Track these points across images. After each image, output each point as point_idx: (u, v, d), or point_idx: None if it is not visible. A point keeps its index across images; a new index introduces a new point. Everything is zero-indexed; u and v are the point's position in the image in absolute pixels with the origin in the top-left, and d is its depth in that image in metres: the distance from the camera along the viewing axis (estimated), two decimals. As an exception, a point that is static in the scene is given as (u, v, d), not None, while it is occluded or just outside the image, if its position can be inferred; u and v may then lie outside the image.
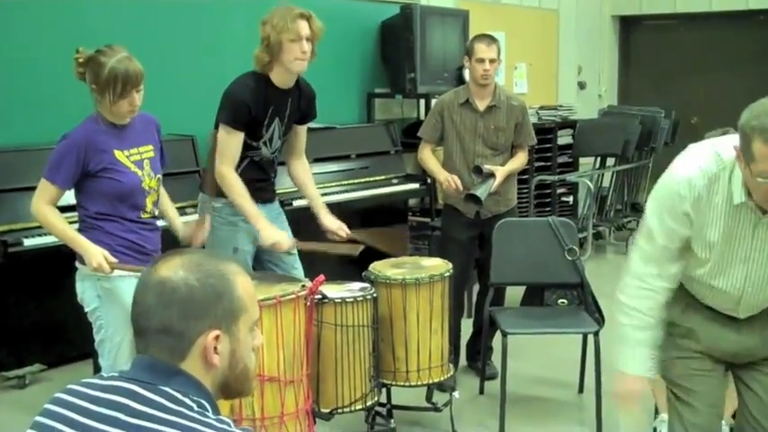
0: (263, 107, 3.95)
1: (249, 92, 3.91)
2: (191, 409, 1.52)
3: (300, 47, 3.85)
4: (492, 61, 4.75)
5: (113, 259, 3.35)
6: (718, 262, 2.61)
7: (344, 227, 4.16)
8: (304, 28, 3.86)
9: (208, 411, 1.55)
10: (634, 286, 2.73)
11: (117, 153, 3.40)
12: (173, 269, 1.60)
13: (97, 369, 4.06)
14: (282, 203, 4.46)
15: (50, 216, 3.37)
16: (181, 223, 3.82)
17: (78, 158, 3.31)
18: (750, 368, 2.79)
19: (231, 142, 3.92)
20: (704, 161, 2.52)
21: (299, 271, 4.16)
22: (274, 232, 3.94)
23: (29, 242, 4.61)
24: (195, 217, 4.45)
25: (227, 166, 3.93)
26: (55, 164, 3.35)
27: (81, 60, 3.37)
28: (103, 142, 3.36)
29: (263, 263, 4.17)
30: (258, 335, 1.70)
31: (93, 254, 3.31)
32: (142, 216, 3.49)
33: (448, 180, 4.74)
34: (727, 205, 2.50)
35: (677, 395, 2.80)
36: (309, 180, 4.33)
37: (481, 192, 4.62)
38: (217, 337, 1.59)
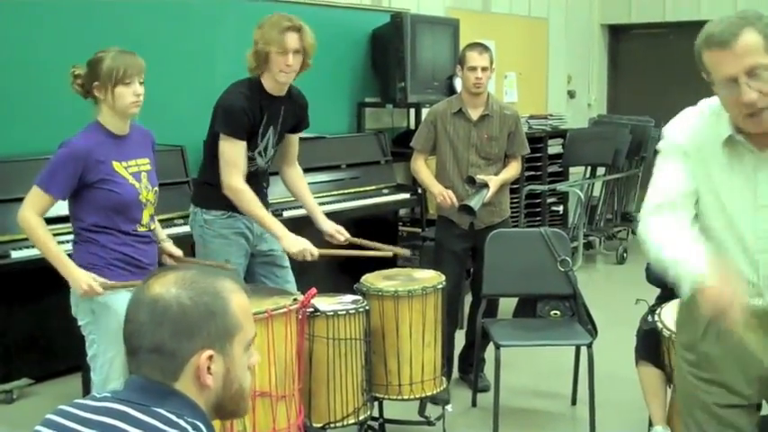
0: (258, 115, 3.91)
1: (245, 99, 3.88)
2: (185, 430, 1.49)
3: (285, 60, 3.81)
4: (484, 69, 4.73)
5: (102, 280, 3.30)
6: (725, 219, 2.39)
7: (342, 230, 4.13)
8: (292, 41, 3.81)
9: None
10: (651, 228, 2.46)
11: (115, 164, 3.35)
12: (165, 286, 1.56)
13: (87, 383, 4.02)
14: (274, 213, 4.42)
15: (40, 230, 3.30)
16: (163, 235, 3.77)
17: (77, 170, 3.26)
18: None
19: (236, 151, 3.87)
20: (692, 111, 2.47)
21: (291, 285, 4.12)
22: (297, 240, 3.88)
23: (16, 254, 4.55)
24: (185, 228, 4.41)
25: (237, 178, 3.86)
26: (52, 173, 3.28)
27: (77, 73, 3.35)
28: (103, 153, 3.32)
29: (254, 276, 4.13)
30: (254, 353, 1.67)
31: (80, 279, 3.27)
32: (138, 229, 3.44)
33: (443, 194, 4.71)
34: (722, 147, 2.36)
35: None
36: (305, 187, 4.30)
37: (475, 202, 4.59)
38: (210, 357, 1.55)
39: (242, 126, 3.86)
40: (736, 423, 2.50)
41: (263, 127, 3.95)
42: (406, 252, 4.32)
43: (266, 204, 4.19)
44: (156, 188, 3.55)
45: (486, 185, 4.67)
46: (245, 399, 1.66)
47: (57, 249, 3.34)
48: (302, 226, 4.26)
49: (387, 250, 4.16)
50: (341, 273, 5.64)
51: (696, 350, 2.54)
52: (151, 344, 1.54)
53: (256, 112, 3.90)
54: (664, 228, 2.41)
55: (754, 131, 2.29)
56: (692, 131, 2.44)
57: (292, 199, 4.60)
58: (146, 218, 3.47)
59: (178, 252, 3.75)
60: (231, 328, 1.58)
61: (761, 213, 2.35)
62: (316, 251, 3.89)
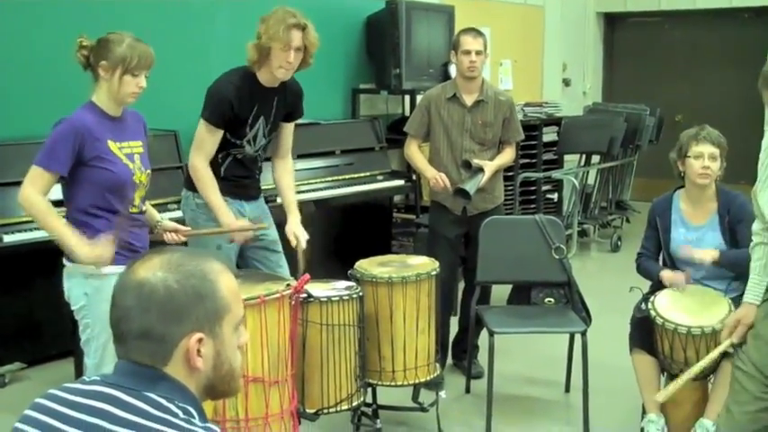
0: (247, 105, 3.90)
1: (234, 90, 3.87)
2: (176, 416, 1.47)
3: (287, 56, 3.81)
4: (478, 53, 4.71)
5: (108, 253, 3.28)
6: None
7: (302, 239, 4.03)
8: (296, 38, 3.80)
9: (194, 418, 1.50)
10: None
11: (111, 143, 3.34)
12: (151, 270, 1.54)
13: (79, 367, 4.01)
14: (267, 200, 4.40)
15: (42, 205, 3.25)
16: (158, 216, 3.76)
17: (74, 144, 3.23)
18: None
19: (209, 139, 3.90)
20: None
21: (284, 269, 4.11)
22: (238, 225, 3.91)
23: (9, 238, 4.53)
24: (179, 213, 4.40)
25: (200, 160, 3.91)
26: (50, 149, 3.25)
27: (85, 44, 3.33)
28: (98, 131, 3.31)
29: (247, 261, 4.12)
30: (243, 332, 1.65)
31: (86, 254, 3.25)
32: (130, 210, 3.43)
33: (436, 178, 4.70)
34: None
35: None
36: (289, 182, 4.25)
37: (470, 186, 4.58)
38: (200, 340, 1.53)
39: (221, 115, 3.86)
40: None
41: (252, 117, 3.94)
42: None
43: (258, 190, 4.18)
44: (149, 171, 3.53)
45: (481, 170, 4.66)
46: (236, 379, 1.64)
47: (59, 223, 3.30)
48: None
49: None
50: (335, 259, 5.62)
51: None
52: (139, 329, 1.52)
53: (245, 103, 3.89)
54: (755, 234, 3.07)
55: None
56: None
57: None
58: (137, 199, 3.46)
59: (180, 227, 3.74)
60: (220, 309, 1.57)
61: None
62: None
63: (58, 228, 3.28)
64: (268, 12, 3.86)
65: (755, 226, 3.05)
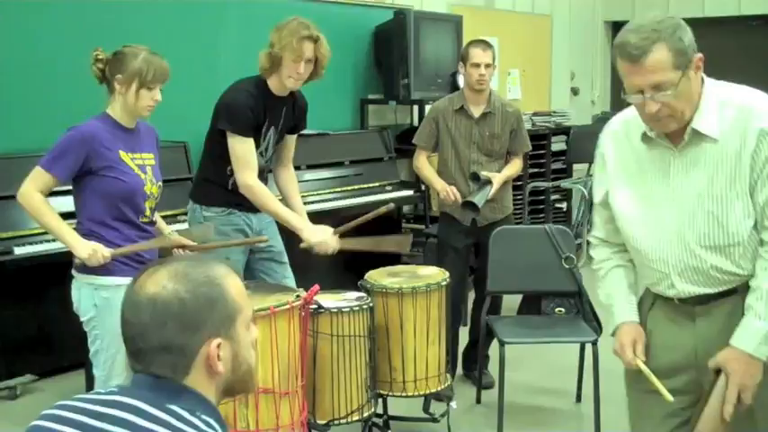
0: (262, 114, 3.91)
1: (251, 98, 3.88)
2: (197, 428, 1.48)
3: (298, 67, 3.82)
4: (487, 66, 4.71)
5: (107, 251, 3.30)
6: (641, 212, 2.50)
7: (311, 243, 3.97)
8: (308, 50, 3.82)
9: (216, 430, 1.51)
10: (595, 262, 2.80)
11: (122, 154, 3.36)
12: (160, 284, 1.55)
13: (90, 380, 4.01)
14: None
15: (40, 203, 3.27)
16: (168, 229, 3.77)
17: (81, 153, 3.26)
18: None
19: (246, 148, 3.88)
20: (629, 109, 2.54)
21: (290, 280, 4.12)
22: (318, 231, 3.89)
23: (20, 251, 4.54)
24: (187, 225, 4.40)
25: (250, 176, 3.88)
26: (56, 154, 3.28)
27: (100, 57, 3.36)
28: (109, 141, 3.33)
29: (254, 272, 4.12)
30: (254, 329, 1.68)
31: (82, 247, 3.26)
32: (141, 220, 3.44)
33: (447, 190, 4.70)
34: (639, 143, 2.47)
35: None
36: (295, 190, 4.27)
37: (478, 199, 4.58)
38: (219, 345, 1.55)
39: (248, 124, 3.86)
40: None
41: (265, 127, 3.95)
42: (390, 206, 4.13)
43: None
44: (161, 183, 3.55)
45: (489, 182, 4.66)
46: (253, 376, 1.67)
47: (57, 221, 3.32)
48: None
49: (381, 212, 4.05)
50: (345, 269, 5.62)
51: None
52: (158, 344, 1.53)
53: (260, 112, 3.90)
54: (603, 261, 2.74)
55: (658, 132, 2.41)
56: (613, 132, 2.58)
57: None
58: (148, 210, 3.47)
59: (186, 242, 3.75)
60: (232, 311, 1.59)
61: (669, 205, 2.44)
62: (335, 244, 3.89)
63: (53, 222, 3.31)
64: (277, 23, 3.88)
65: (604, 252, 2.75)
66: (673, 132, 2.39)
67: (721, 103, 2.36)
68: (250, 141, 3.87)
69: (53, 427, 1.52)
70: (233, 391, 1.64)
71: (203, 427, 1.48)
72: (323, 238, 3.89)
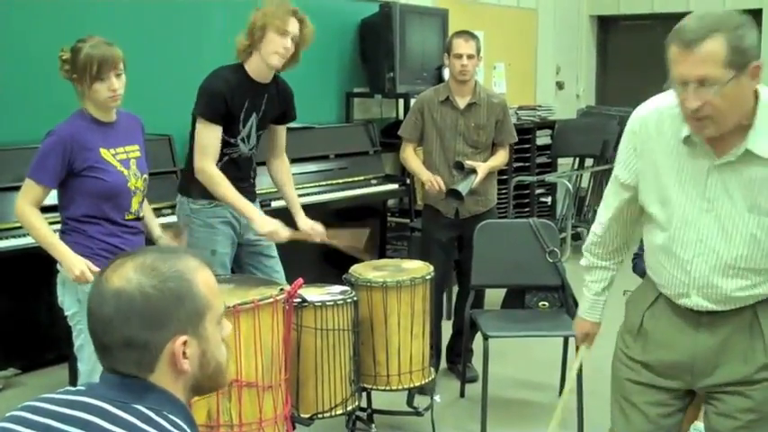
0: (239, 100, 3.89)
1: (225, 83, 3.85)
2: (162, 429, 1.44)
3: (283, 42, 3.80)
4: (470, 57, 4.71)
5: (96, 268, 3.28)
6: (675, 217, 2.38)
7: (318, 228, 4.08)
8: (293, 25, 3.82)
9: (185, 429, 1.48)
10: (584, 256, 2.81)
11: (103, 151, 3.34)
12: (125, 277, 1.49)
13: (74, 373, 3.99)
14: (261, 204, 4.40)
15: (33, 218, 3.29)
16: (158, 224, 3.76)
17: (64, 156, 3.25)
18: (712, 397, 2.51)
19: (210, 135, 3.85)
20: (662, 99, 2.42)
21: (279, 274, 4.11)
22: (269, 221, 3.87)
23: (3, 244, 4.51)
24: (173, 218, 4.39)
25: (208, 162, 3.85)
26: (40, 162, 3.27)
27: (65, 57, 3.32)
28: (89, 140, 3.30)
29: (242, 266, 4.12)
30: (226, 324, 1.62)
31: (74, 263, 3.24)
32: (126, 217, 3.43)
33: (431, 180, 4.71)
34: (677, 143, 2.33)
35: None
36: (289, 180, 4.27)
37: (463, 187, 4.59)
38: (184, 342, 1.50)
39: (218, 111, 3.84)
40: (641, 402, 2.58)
41: (244, 113, 3.93)
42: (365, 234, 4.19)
43: (254, 194, 4.17)
44: (146, 175, 3.53)
45: (474, 171, 4.67)
46: (223, 373, 1.61)
47: (51, 236, 3.32)
48: (291, 218, 4.23)
49: (357, 247, 4.11)
50: (329, 263, 5.62)
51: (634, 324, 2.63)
52: (122, 339, 1.48)
53: (237, 98, 3.87)
54: (592, 258, 2.77)
55: (697, 134, 2.27)
56: (648, 125, 2.42)
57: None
58: (134, 205, 3.46)
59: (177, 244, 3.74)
60: (201, 308, 1.53)
61: (703, 217, 2.34)
62: (286, 233, 3.88)
63: (47, 239, 3.31)
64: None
65: (598, 260, 2.77)
66: (717, 141, 2.25)
67: None
68: (216, 129, 3.85)
69: (17, 429, 1.48)
70: (202, 390, 1.59)
71: (169, 427, 1.45)
72: (273, 228, 3.86)
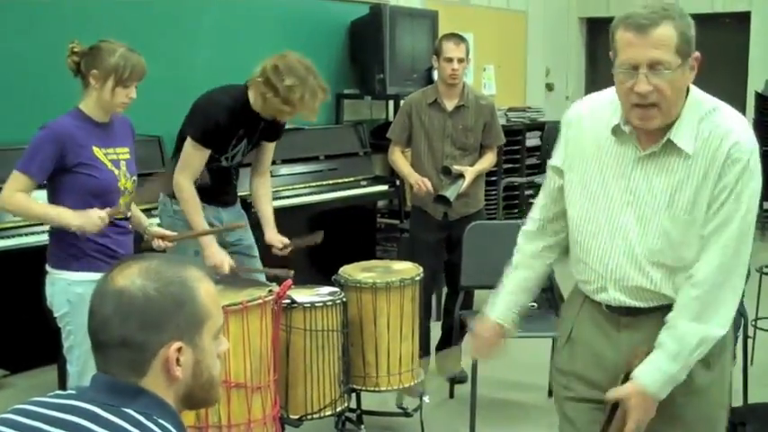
0: (235, 130, 3.90)
1: (226, 113, 3.83)
2: None
3: (291, 114, 3.84)
4: (460, 61, 4.72)
5: (103, 213, 3.27)
6: (598, 209, 2.38)
7: (285, 240, 4.11)
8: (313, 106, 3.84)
9: None
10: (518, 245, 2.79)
11: (95, 150, 3.34)
12: (130, 278, 1.52)
13: (63, 375, 3.99)
14: (244, 206, 4.39)
15: (20, 199, 3.26)
16: (147, 221, 3.76)
17: (56, 151, 3.23)
18: None
19: (196, 158, 3.87)
20: (598, 95, 2.46)
21: (261, 276, 4.11)
22: (217, 253, 3.87)
23: (-9, 245, 4.51)
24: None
25: (186, 179, 3.87)
26: (31, 154, 3.25)
27: (77, 50, 3.32)
28: (83, 137, 3.30)
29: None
30: (223, 341, 1.63)
31: (77, 218, 3.23)
32: (115, 216, 3.43)
33: (419, 183, 4.71)
34: (608, 135, 2.34)
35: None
36: (267, 198, 4.26)
37: (450, 192, 4.60)
38: (179, 349, 1.51)
39: (212, 139, 3.85)
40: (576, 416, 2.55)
41: (236, 139, 3.94)
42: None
43: (235, 196, 4.22)
44: (135, 177, 3.53)
45: (461, 176, 4.68)
46: (216, 387, 1.62)
47: (42, 207, 3.31)
48: (275, 220, 4.24)
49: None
50: (319, 264, 5.62)
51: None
52: (118, 338, 1.49)
53: (234, 128, 3.89)
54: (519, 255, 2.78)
55: (638, 124, 2.27)
56: (580, 114, 2.46)
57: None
58: (122, 205, 3.45)
59: (166, 232, 3.73)
60: (200, 317, 1.54)
61: (624, 210, 2.35)
62: (227, 266, 3.88)
63: (41, 210, 3.31)
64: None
65: (535, 246, 2.74)
66: (645, 134, 2.28)
67: (700, 118, 2.24)
68: (205, 152, 3.87)
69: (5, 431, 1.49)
70: (194, 401, 1.59)
71: (159, 431, 1.45)
72: (219, 261, 3.86)
